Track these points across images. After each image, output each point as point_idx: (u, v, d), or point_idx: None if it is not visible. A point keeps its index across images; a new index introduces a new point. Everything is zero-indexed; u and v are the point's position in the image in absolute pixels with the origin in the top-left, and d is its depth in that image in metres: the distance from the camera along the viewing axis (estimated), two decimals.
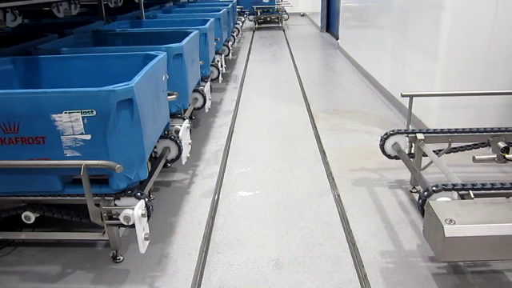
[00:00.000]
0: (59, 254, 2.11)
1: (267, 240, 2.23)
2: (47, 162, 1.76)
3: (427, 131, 2.52)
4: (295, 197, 2.65)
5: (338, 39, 7.44)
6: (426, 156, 2.46)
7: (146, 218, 1.90)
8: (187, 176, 2.95)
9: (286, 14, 10.60)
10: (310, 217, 2.43)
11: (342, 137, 3.57)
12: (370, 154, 3.15)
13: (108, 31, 3.55)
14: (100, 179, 1.85)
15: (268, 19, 10.63)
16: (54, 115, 1.69)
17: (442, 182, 1.93)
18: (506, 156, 2.35)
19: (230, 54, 5.85)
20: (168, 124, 2.49)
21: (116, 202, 1.88)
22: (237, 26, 7.55)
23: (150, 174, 2.20)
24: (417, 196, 2.48)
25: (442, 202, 1.79)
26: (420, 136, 2.48)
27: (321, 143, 3.44)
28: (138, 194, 1.88)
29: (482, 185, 1.90)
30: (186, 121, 2.77)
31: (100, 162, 1.72)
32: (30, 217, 1.97)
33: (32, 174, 1.82)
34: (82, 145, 1.74)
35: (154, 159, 2.44)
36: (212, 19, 4.09)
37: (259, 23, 10.51)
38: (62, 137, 1.73)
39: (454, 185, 1.90)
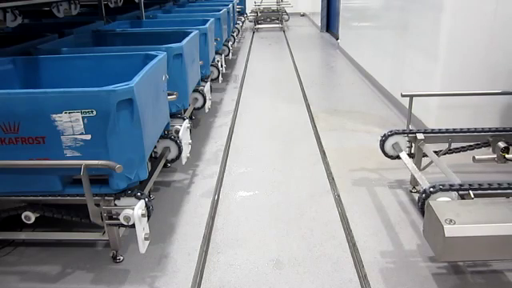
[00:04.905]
0: (59, 254, 2.11)
1: (267, 240, 2.23)
2: (47, 162, 1.76)
3: (427, 131, 2.52)
4: (295, 197, 2.65)
5: (338, 39, 7.44)
6: (426, 156, 2.46)
7: (146, 218, 1.90)
8: (187, 176, 2.95)
9: (287, 14, 10.43)
10: (310, 217, 2.43)
11: (342, 137, 3.57)
12: (370, 153, 3.15)
13: (108, 31, 3.54)
14: (100, 179, 1.85)
15: (268, 20, 10.55)
16: (53, 115, 1.68)
17: (442, 182, 1.93)
18: (506, 156, 2.35)
19: (230, 54, 5.85)
20: (168, 124, 2.49)
21: (116, 201, 1.88)
22: (237, 25, 7.54)
23: (150, 174, 2.20)
24: (417, 196, 2.48)
25: (442, 202, 1.79)
26: (420, 136, 2.48)
27: (321, 143, 3.44)
28: (138, 194, 1.88)
29: (482, 185, 1.90)
30: (186, 121, 2.77)
31: (100, 162, 1.72)
32: (30, 217, 1.97)
33: (32, 174, 1.81)
34: (82, 145, 1.74)
35: (154, 159, 2.44)
36: (212, 19, 4.09)
37: (259, 23, 10.43)
38: (62, 137, 1.73)
39: (454, 185, 1.90)
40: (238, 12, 8.53)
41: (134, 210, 1.83)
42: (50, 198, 1.94)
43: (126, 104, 1.73)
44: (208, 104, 3.66)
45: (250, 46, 8.14)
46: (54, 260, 2.07)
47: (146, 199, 1.90)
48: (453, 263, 1.97)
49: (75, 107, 1.68)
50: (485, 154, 2.40)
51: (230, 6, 6.29)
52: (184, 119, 2.78)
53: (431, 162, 2.42)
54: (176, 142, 2.53)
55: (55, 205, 2.00)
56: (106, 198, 1.90)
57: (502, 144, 2.38)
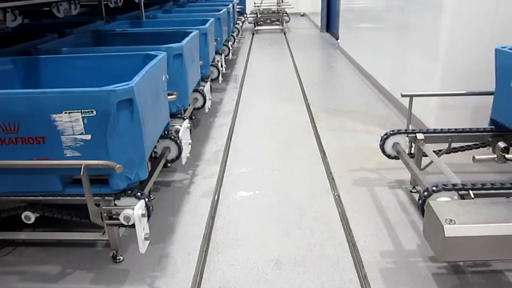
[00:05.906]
0: (59, 254, 2.11)
1: (267, 240, 2.23)
2: (47, 162, 1.76)
3: (427, 131, 2.52)
4: (295, 197, 2.65)
5: (337, 39, 7.44)
6: (426, 156, 2.46)
7: (146, 218, 1.90)
8: (187, 176, 2.95)
9: (287, 15, 10.20)
10: (309, 217, 2.43)
11: (341, 137, 3.57)
12: (370, 153, 3.15)
13: (108, 31, 3.55)
14: (100, 179, 1.85)
15: (268, 21, 10.43)
16: (54, 115, 1.68)
17: (441, 182, 1.93)
18: (506, 156, 2.35)
19: (230, 54, 5.85)
20: (168, 124, 2.49)
21: (116, 202, 1.88)
22: (237, 26, 7.54)
23: (150, 174, 2.20)
24: (417, 196, 2.48)
25: (442, 202, 1.79)
26: (420, 136, 2.48)
27: (321, 143, 3.44)
28: (138, 194, 1.88)
29: (482, 185, 1.90)
30: (186, 121, 2.77)
31: (100, 162, 1.72)
32: (30, 217, 1.97)
33: (32, 174, 1.81)
34: (82, 145, 1.74)
35: (154, 159, 2.44)
36: (212, 19, 4.09)
37: (259, 25, 10.32)
38: (62, 137, 1.73)
39: (454, 185, 1.90)
40: (238, 12, 8.52)
41: (134, 210, 1.83)
42: (49, 198, 1.94)
43: (126, 104, 1.73)
44: (208, 104, 3.66)
45: (250, 47, 8.14)
46: (54, 260, 2.07)
47: (146, 199, 1.90)
48: (453, 263, 1.97)
49: (75, 107, 1.68)
50: (485, 154, 2.40)
51: (230, 6, 6.29)
52: (184, 119, 2.78)
53: (431, 162, 2.42)
54: (176, 141, 2.53)
55: (55, 205, 2.00)
56: (106, 198, 1.90)
57: (501, 144, 2.38)
